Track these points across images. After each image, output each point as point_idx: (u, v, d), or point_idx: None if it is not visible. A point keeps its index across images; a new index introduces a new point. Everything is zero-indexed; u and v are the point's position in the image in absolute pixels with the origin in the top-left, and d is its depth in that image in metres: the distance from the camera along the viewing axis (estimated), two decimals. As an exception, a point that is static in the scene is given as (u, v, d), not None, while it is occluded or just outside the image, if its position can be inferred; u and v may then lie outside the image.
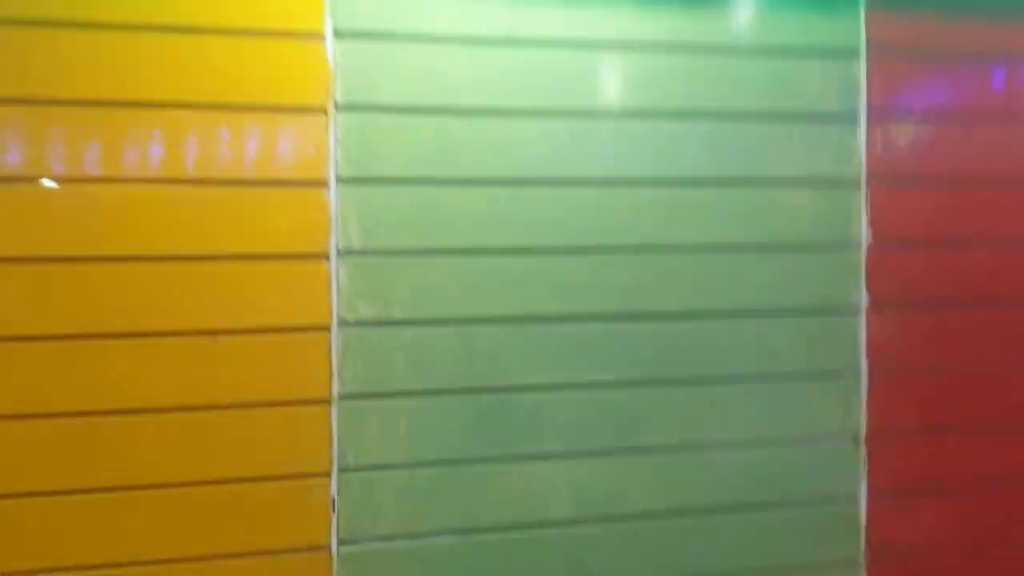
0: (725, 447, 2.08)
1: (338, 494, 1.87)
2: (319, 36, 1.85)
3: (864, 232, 2.11)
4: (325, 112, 1.86)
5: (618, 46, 1.98)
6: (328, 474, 1.87)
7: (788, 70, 2.06)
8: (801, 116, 2.07)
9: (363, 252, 1.88)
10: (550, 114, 1.96)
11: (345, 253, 1.87)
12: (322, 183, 1.86)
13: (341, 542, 1.87)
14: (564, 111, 1.96)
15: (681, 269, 2.04)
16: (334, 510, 1.87)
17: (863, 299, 2.12)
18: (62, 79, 1.73)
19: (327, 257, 1.87)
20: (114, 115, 1.76)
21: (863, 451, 2.13)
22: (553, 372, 1.98)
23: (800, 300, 2.10)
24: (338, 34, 1.85)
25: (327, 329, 1.87)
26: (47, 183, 1.72)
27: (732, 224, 2.05)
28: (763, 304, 2.08)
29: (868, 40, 2.08)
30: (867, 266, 2.12)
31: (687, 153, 2.02)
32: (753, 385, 2.08)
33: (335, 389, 1.87)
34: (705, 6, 2.01)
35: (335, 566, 1.86)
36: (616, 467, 2.03)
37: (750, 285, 2.07)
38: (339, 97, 1.86)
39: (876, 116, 2.10)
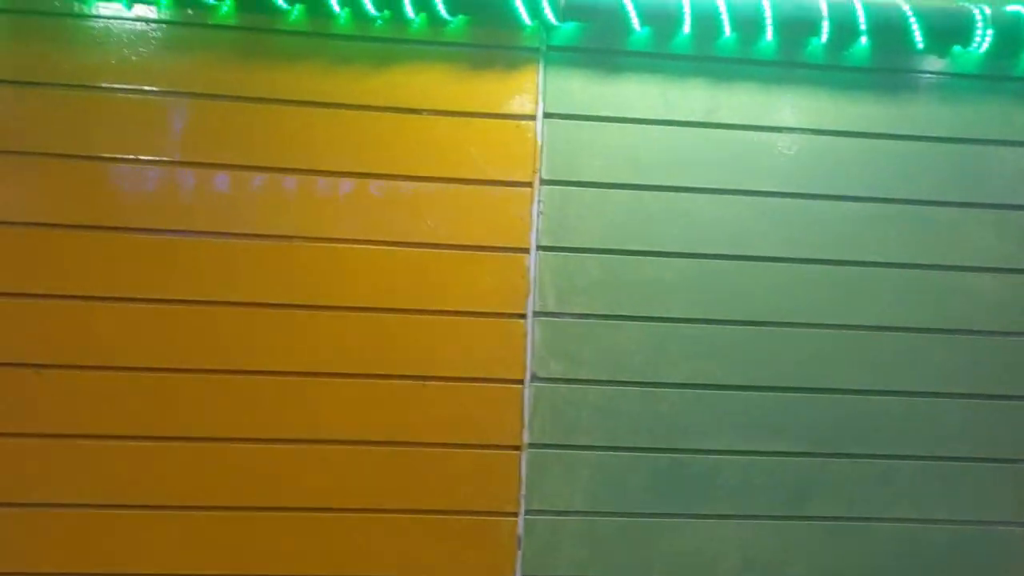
0: (895, 523, 2.12)
1: (524, 533, 2.05)
2: (531, 117, 2.05)
3: (1051, 321, 2.11)
4: (531, 185, 2.05)
5: (810, 130, 2.08)
6: (516, 514, 2.06)
7: (979, 158, 2.09)
8: (992, 204, 2.10)
9: (557, 314, 2.06)
10: (740, 193, 2.08)
11: (541, 314, 2.06)
12: (524, 250, 2.06)
13: (524, 577, 2.06)
14: (753, 191, 2.08)
15: (859, 347, 2.11)
16: (519, 547, 2.06)
17: (1046, 388, 2.12)
18: (300, 152, 2.01)
19: (525, 317, 2.06)
20: (350, 183, 2.02)
21: (1038, 540, 2.13)
22: (728, 438, 2.10)
23: (978, 384, 2.12)
24: (548, 116, 2.04)
25: (521, 382, 2.06)
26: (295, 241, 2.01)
27: (913, 307, 2.10)
28: (940, 387, 2.11)
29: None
30: (1054, 357, 2.12)
31: (871, 235, 2.09)
32: (926, 463, 2.12)
33: (525, 437, 2.06)
34: (900, 93, 2.08)
35: (518, 600, 2.06)
36: (783, 532, 2.12)
37: (928, 367, 2.11)
38: (544, 172, 2.05)
39: (1071, 207, 2.10)
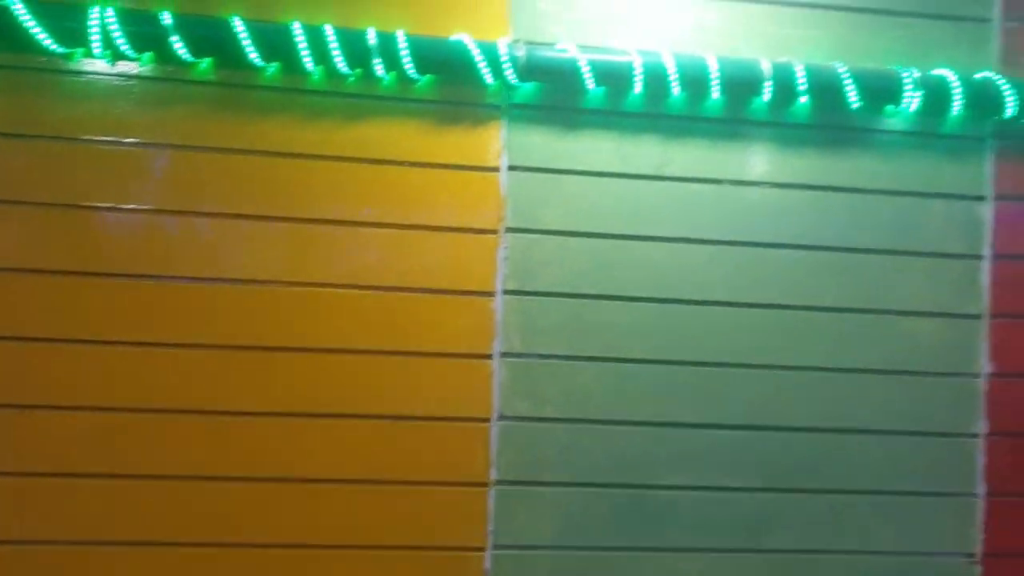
0: (845, 555, 2.22)
1: (491, 568, 2.12)
2: (496, 169, 2.16)
3: (985, 363, 2.25)
4: (496, 233, 2.16)
5: (757, 183, 2.22)
6: (483, 549, 2.13)
7: (915, 209, 2.24)
8: (926, 252, 2.25)
9: (522, 355, 2.16)
10: (692, 241, 2.20)
11: (507, 355, 2.16)
12: (490, 294, 2.16)
13: (490, 612, 2.13)
14: (704, 239, 2.20)
15: (808, 387, 2.22)
16: (486, 582, 2.13)
17: (982, 426, 2.24)
18: (275, 200, 2.11)
19: (491, 358, 2.15)
20: (324, 230, 2.12)
21: (979, 571, 2.23)
22: (686, 474, 2.19)
23: (920, 422, 2.24)
24: (511, 168, 2.16)
25: (488, 421, 2.15)
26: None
27: (857, 348, 2.23)
28: (885, 424, 2.23)
29: (995, 186, 2.25)
30: (987, 395, 2.25)
31: (817, 281, 2.23)
32: (872, 498, 2.23)
33: (493, 474, 2.14)
34: (839, 148, 2.23)
35: (484, 633, 2.12)
36: (739, 565, 2.20)
37: (873, 406, 2.23)
38: (509, 221, 2.16)
39: (1000, 256, 2.25)
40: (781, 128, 2.22)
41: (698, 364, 2.20)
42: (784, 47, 2.20)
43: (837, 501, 2.23)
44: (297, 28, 2.03)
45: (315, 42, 2.03)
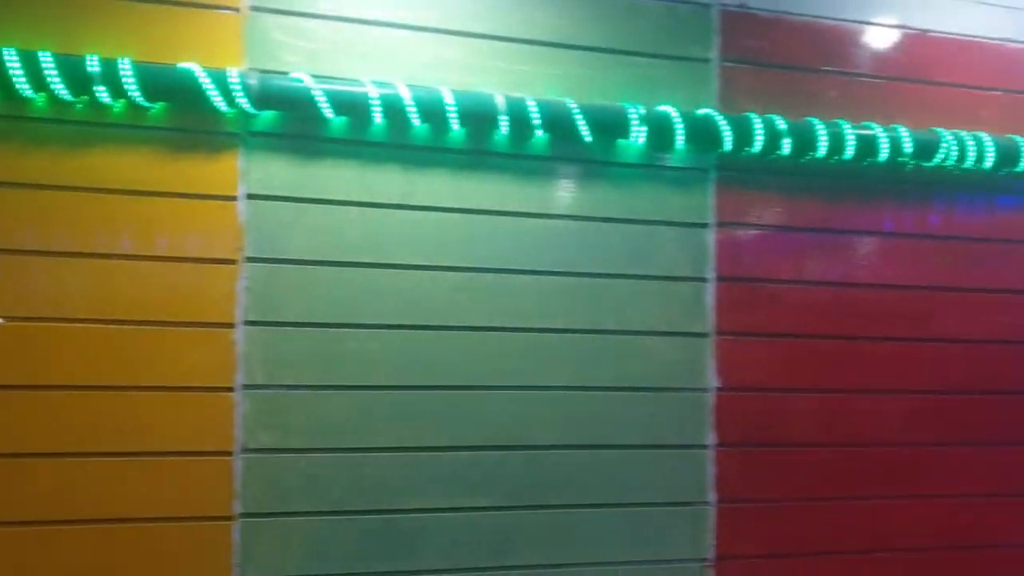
0: (588, 567, 2.33)
1: (234, 604, 2.10)
2: (233, 198, 2.14)
3: (712, 378, 2.41)
4: (236, 263, 2.13)
5: (499, 212, 2.29)
6: (227, 584, 2.10)
7: (647, 235, 2.38)
8: (658, 276, 2.39)
9: (266, 386, 2.14)
10: (437, 269, 2.25)
11: (250, 387, 2.13)
12: (230, 325, 2.13)
13: (234, 648, 2.10)
14: (450, 267, 2.26)
15: (553, 406, 2.32)
16: (231, 619, 2.10)
17: (711, 437, 2.41)
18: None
19: (233, 390, 2.12)
20: (49, 262, 2.03)
21: (711, 574, 2.39)
22: (433, 497, 2.24)
23: (656, 436, 2.38)
24: (251, 197, 2.14)
25: (231, 454, 2.12)
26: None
27: (599, 368, 2.35)
28: (625, 439, 2.36)
29: (716, 214, 2.42)
30: (715, 408, 2.41)
31: (558, 304, 2.32)
32: (613, 511, 2.35)
33: (237, 507, 2.11)
34: (577, 180, 2.34)
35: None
36: (489, 582, 2.28)
37: (614, 422, 2.35)
38: (248, 251, 2.14)
39: (722, 279, 2.42)
40: (521, 160, 2.30)
41: (446, 388, 2.25)
42: (522, 83, 2.29)
43: (580, 515, 2.33)
44: (10, 54, 1.93)
45: (31, 68, 1.94)
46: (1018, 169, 2.52)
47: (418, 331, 2.24)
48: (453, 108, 2.16)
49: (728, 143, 2.33)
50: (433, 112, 2.16)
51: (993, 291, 2.60)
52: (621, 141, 2.33)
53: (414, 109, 2.14)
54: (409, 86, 2.14)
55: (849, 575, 2.50)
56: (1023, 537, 2.62)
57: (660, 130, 2.30)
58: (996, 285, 2.60)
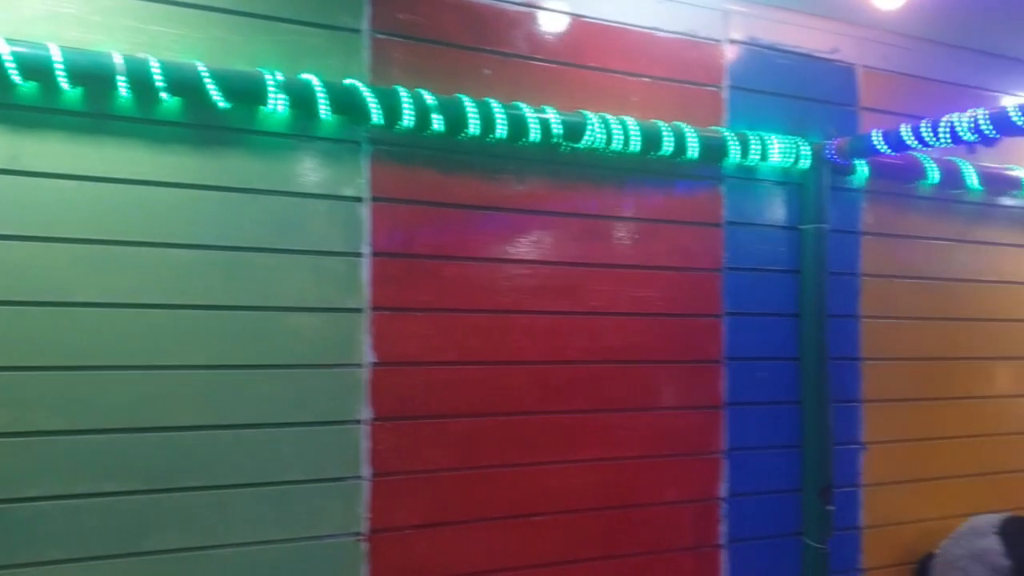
0: (234, 548, 2.26)
1: None
2: None
3: (368, 353, 2.40)
4: None
5: (125, 180, 2.15)
6: None
7: (296, 208, 2.32)
8: (310, 251, 2.34)
9: None
10: (53, 240, 2.09)
11: None
12: None
13: None
14: (68, 238, 2.10)
15: (192, 386, 2.22)
16: None
17: (366, 412, 2.40)
18: None
19: None
20: None
21: (365, 547, 2.40)
22: (52, 483, 2.09)
23: (306, 413, 2.34)
24: None
25: None
26: None
27: (242, 346, 2.27)
28: (272, 418, 2.30)
29: (371, 188, 2.40)
30: (371, 383, 2.41)
31: (196, 280, 2.22)
32: (260, 490, 2.29)
33: None
34: (213, 148, 2.23)
35: None
36: (121, 570, 2.16)
37: (259, 400, 2.29)
38: None
39: (377, 254, 2.41)
40: (149, 125, 2.16)
41: (64, 369, 2.11)
42: (153, 45, 2.15)
43: (224, 496, 2.26)
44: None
45: None
46: (662, 153, 2.67)
47: (30, 307, 2.08)
48: (61, 65, 1.99)
49: (377, 116, 2.30)
50: (37, 69, 1.99)
51: (639, 267, 2.75)
52: (263, 109, 2.24)
53: (13, 65, 1.96)
54: (6, 39, 1.96)
55: (505, 539, 2.58)
56: (668, 495, 2.81)
57: (302, 99, 2.23)
58: (642, 262, 2.76)
